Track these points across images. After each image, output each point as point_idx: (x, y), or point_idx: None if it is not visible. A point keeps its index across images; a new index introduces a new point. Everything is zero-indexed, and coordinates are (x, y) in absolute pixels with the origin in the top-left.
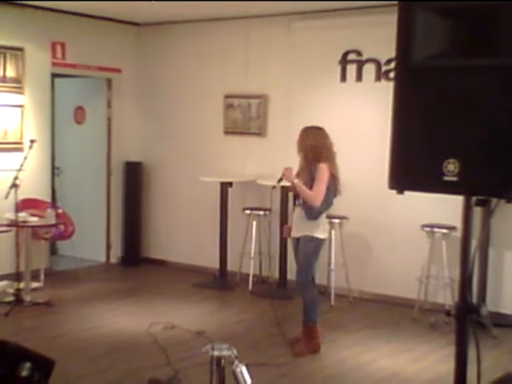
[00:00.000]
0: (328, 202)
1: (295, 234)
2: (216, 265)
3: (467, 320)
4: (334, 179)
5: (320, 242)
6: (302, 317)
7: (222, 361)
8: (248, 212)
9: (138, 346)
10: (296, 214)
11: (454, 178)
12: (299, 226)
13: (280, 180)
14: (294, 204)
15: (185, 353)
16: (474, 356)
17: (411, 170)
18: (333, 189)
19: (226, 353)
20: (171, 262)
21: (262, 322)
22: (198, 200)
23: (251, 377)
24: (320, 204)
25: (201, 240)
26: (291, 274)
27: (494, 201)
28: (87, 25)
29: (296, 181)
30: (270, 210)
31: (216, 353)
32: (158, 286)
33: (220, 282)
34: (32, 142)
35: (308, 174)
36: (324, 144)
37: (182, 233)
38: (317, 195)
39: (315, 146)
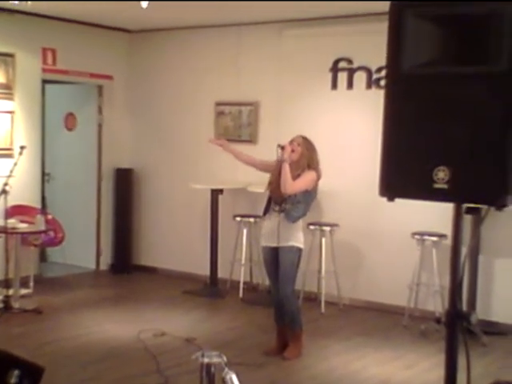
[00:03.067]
0: (309, 207)
1: (274, 243)
2: (206, 272)
3: (457, 327)
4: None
5: (301, 252)
6: (289, 325)
7: (212, 368)
8: (239, 219)
9: (127, 353)
10: (274, 223)
11: (445, 186)
12: (280, 235)
13: (282, 148)
14: (266, 212)
15: (175, 360)
16: (463, 363)
17: (402, 177)
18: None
19: (215, 360)
20: (161, 269)
21: (252, 330)
22: (189, 207)
23: None
24: (289, 192)
25: (191, 247)
26: None
27: (485, 208)
28: (78, 31)
29: (288, 161)
30: (260, 217)
31: (206, 360)
32: (148, 293)
33: (210, 289)
34: (22, 148)
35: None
36: (317, 155)
37: (173, 240)
38: (294, 186)
39: (315, 156)
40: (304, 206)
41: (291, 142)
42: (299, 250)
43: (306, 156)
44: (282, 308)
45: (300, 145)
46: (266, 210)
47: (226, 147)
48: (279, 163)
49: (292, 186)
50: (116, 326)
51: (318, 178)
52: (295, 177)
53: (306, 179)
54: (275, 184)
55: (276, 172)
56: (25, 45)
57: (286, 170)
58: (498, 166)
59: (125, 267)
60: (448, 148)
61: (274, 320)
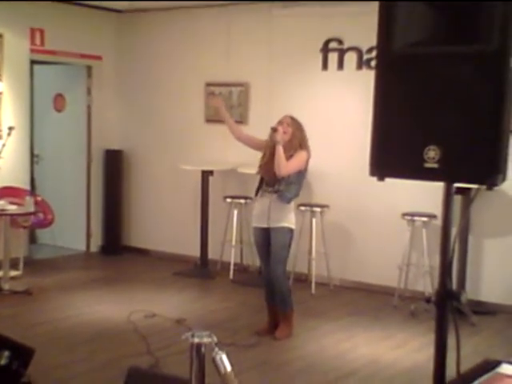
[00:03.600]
0: (301, 187)
1: (265, 224)
2: (197, 253)
3: (447, 306)
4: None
5: (293, 232)
6: (280, 305)
7: (202, 348)
8: (229, 200)
9: (118, 334)
10: (265, 203)
11: (435, 165)
12: (272, 216)
13: (275, 130)
14: (257, 192)
15: (165, 341)
16: (453, 343)
17: (392, 156)
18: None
19: (206, 340)
20: (152, 251)
21: (243, 310)
22: (179, 188)
23: (231, 364)
24: (284, 174)
25: (182, 228)
26: None
27: (474, 189)
28: (67, 11)
29: (281, 143)
30: (250, 198)
31: (196, 340)
32: (139, 274)
33: (201, 270)
34: (10, 129)
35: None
36: (305, 134)
37: (163, 221)
38: (288, 167)
39: (304, 136)
40: (297, 186)
41: (280, 123)
42: (291, 230)
43: (297, 136)
44: (273, 288)
45: (290, 125)
46: (258, 191)
47: (221, 109)
48: (271, 144)
49: (286, 167)
50: (106, 308)
51: (309, 157)
52: (288, 157)
53: (299, 159)
54: (268, 165)
55: (268, 153)
56: (12, 25)
57: (280, 152)
58: (489, 145)
59: (115, 249)
60: (439, 127)
61: (264, 300)
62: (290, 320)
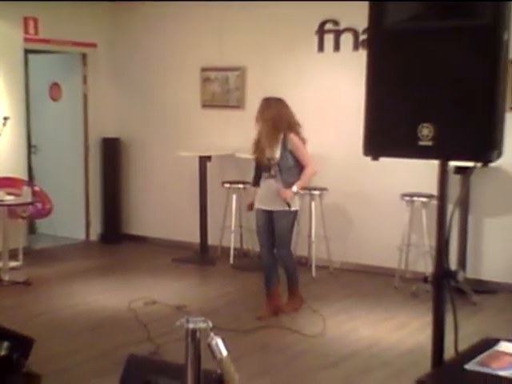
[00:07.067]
0: (302, 167)
1: (267, 206)
2: (196, 239)
3: (443, 285)
4: None
5: (296, 213)
6: (288, 284)
7: (197, 334)
8: (227, 186)
9: (118, 322)
10: (267, 187)
11: (429, 143)
12: (275, 199)
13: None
14: (258, 178)
15: (166, 328)
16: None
17: (386, 135)
18: None
19: (201, 325)
20: (151, 238)
21: (243, 296)
22: (177, 175)
23: (228, 349)
24: (314, 168)
25: (181, 215)
26: None
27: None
28: None
29: (295, 188)
30: (249, 183)
31: (191, 326)
32: (139, 262)
33: (201, 256)
34: (6, 119)
35: (276, 142)
36: (289, 114)
37: (162, 208)
38: (312, 165)
39: (281, 116)
40: (298, 168)
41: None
42: (295, 212)
43: (268, 116)
44: (271, 272)
45: (265, 112)
46: (257, 180)
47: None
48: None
49: (313, 168)
50: (107, 296)
51: (298, 134)
52: (282, 144)
53: (302, 147)
54: (259, 151)
55: (259, 140)
56: (5, 14)
57: (304, 180)
58: (483, 121)
59: (114, 237)
60: (432, 104)
61: (264, 285)
62: (295, 298)
